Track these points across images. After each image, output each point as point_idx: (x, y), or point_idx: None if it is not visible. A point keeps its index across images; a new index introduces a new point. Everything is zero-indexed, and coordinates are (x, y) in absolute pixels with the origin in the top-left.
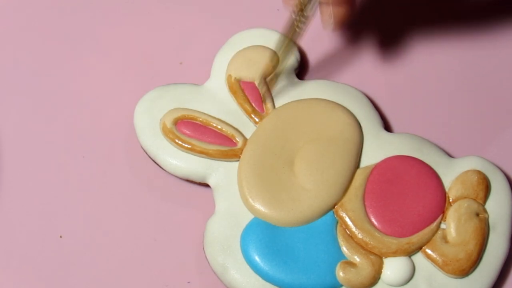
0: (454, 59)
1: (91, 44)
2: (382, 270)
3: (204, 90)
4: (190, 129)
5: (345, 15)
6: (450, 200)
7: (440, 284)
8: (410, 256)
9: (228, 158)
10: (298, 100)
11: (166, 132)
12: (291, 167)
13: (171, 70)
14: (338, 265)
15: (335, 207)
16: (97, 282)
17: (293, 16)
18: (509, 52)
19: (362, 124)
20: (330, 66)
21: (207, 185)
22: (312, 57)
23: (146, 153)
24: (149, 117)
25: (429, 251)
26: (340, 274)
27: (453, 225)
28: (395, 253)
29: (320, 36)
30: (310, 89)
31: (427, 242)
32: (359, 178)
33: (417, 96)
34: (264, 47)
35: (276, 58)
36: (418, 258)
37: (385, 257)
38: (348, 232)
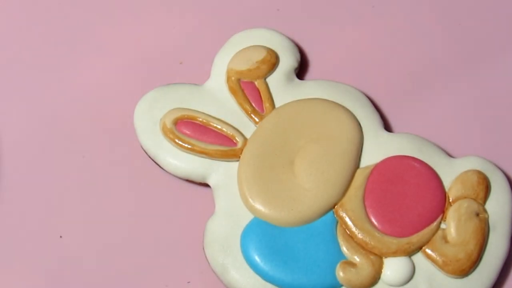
0: (455, 58)
1: (90, 44)
2: (382, 270)
3: (204, 90)
4: (190, 129)
5: None
6: (450, 200)
7: (440, 284)
8: (410, 256)
9: (228, 158)
10: (298, 100)
11: (166, 132)
12: (291, 167)
13: (171, 70)
14: (338, 265)
15: (335, 207)
16: (97, 282)
17: None
18: (510, 52)
19: (362, 124)
20: (330, 66)
21: (207, 185)
22: (312, 57)
23: (146, 153)
24: (149, 117)
25: (429, 251)
26: (340, 274)
27: (453, 225)
28: (395, 253)
29: (320, 35)
30: (310, 89)
31: (427, 242)
32: (359, 178)
33: (417, 96)
34: (264, 47)
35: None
36: (418, 258)
37: (385, 257)
38: (348, 232)
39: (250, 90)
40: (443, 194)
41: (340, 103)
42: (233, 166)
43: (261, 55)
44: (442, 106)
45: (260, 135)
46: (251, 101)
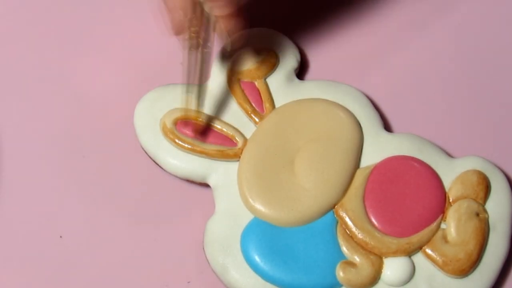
0: (454, 59)
1: (91, 44)
2: (382, 270)
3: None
4: (190, 129)
5: (237, 28)
6: (450, 200)
7: (440, 284)
8: (410, 256)
9: (228, 158)
10: (298, 100)
11: (166, 132)
12: (291, 167)
13: (171, 70)
14: (338, 265)
15: (335, 207)
16: (97, 282)
17: (191, 47)
18: (510, 51)
19: (362, 124)
20: (330, 66)
21: (207, 185)
22: (312, 57)
23: (146, 153)
24: (149, 117)
25: (429, 251)
26: (340, 274)
27: (453, 225)
28: (395, 253)
29: (320, 35)
30: (310, 89)
31: (427, 242)
32: (359, 178)
33: (417, 96)
34: (264, 47)
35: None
36: (418, 258)
37: (385, 257)
38: (348, 232)
39: (250, 90)
40: (443, 194)
41: (340, 103)
42: (233, 166)
43: (261, 55)
44: (442, 106)
45: (260, 135)
46: (251, 101)
